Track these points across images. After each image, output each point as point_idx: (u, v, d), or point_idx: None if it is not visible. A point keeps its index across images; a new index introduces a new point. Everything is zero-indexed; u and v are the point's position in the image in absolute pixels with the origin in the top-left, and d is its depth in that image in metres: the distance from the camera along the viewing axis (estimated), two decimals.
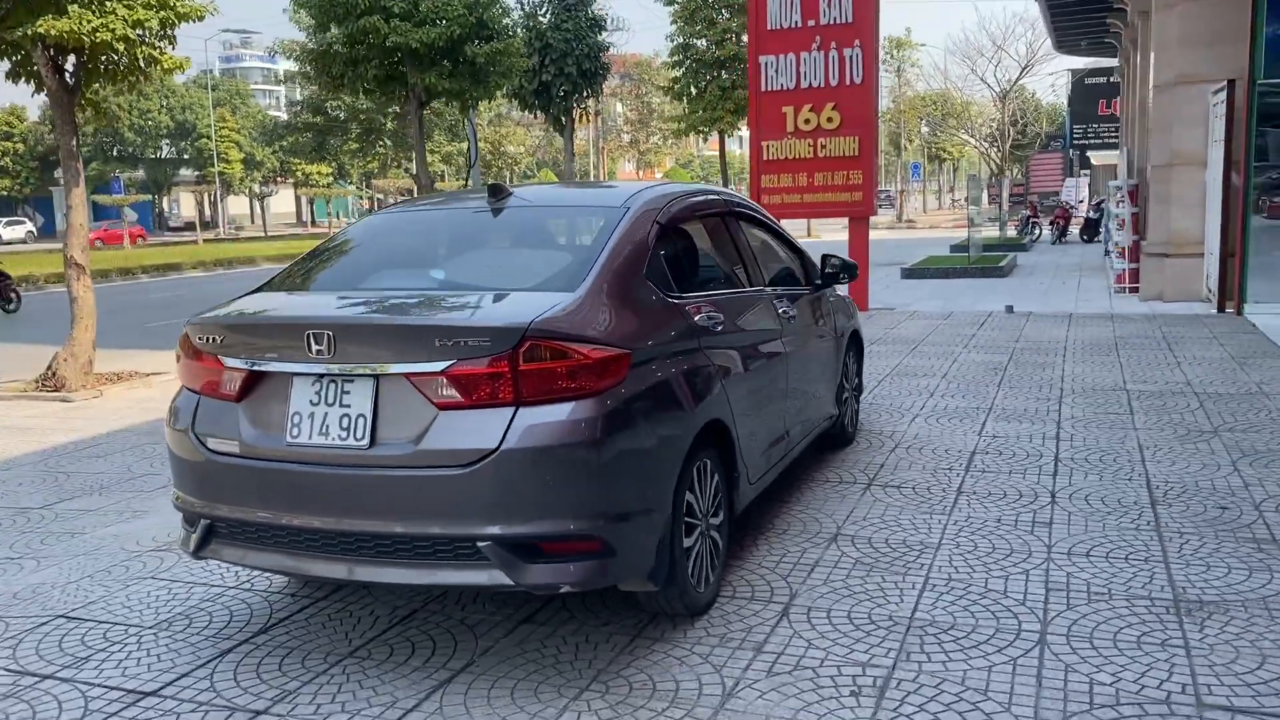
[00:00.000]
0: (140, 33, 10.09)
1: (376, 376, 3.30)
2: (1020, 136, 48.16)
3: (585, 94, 20.78)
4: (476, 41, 15.65)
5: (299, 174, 64.33)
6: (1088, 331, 10.85)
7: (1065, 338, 10.47)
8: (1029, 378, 8.34)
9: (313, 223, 73.87)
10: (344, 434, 3.31)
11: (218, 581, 4.43)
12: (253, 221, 76.19)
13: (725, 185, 29.59)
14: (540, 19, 19.98)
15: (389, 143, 49.22)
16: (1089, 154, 47.60)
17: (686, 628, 3.77)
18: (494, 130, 54.01)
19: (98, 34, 9.58)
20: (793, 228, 8.84)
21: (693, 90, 28.65)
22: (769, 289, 5.00)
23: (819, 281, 5.72)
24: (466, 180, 19.87)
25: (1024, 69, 43.26)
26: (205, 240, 52.84)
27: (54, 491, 6.18)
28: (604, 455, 3.26)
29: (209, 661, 3.64)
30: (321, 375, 3.36)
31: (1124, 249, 14.77)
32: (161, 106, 61.64)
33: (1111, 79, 40.34)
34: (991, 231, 28.13)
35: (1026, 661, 3.42)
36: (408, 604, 4.08)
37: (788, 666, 3.45)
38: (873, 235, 15.10)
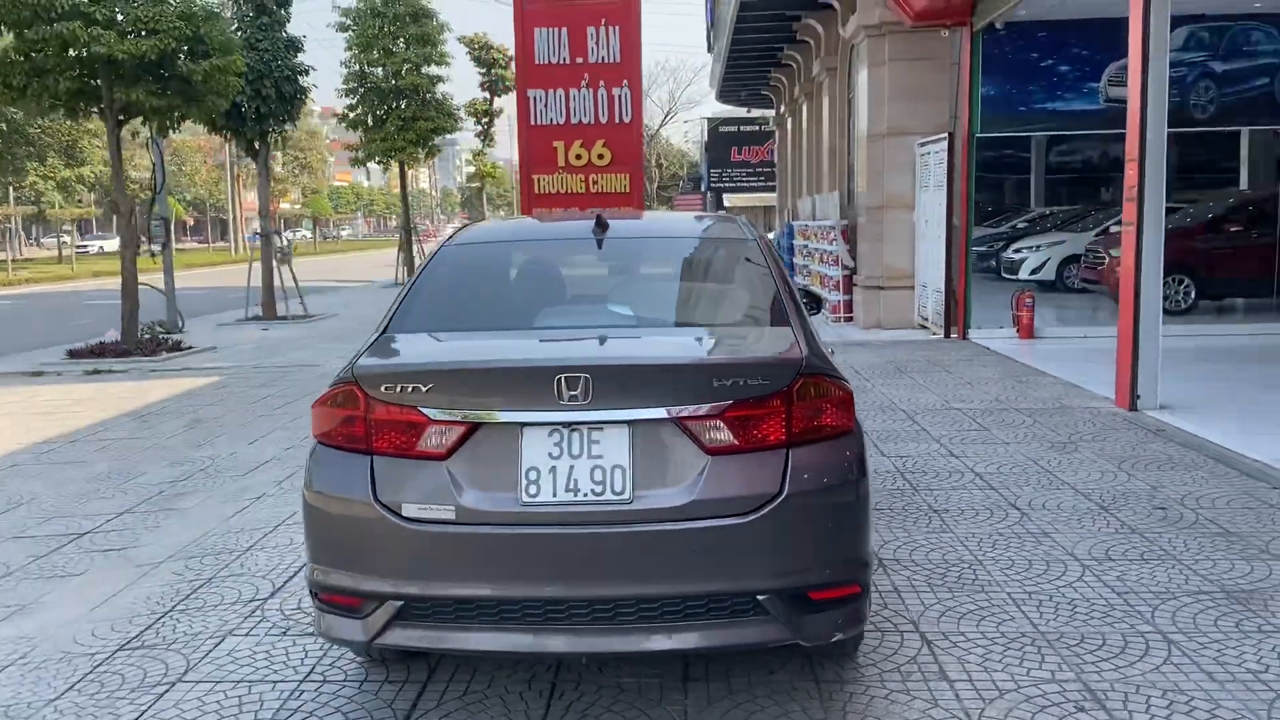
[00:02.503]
0: None
1: (631, 422, 2.96)
2: (661, 177, 51.41)
3: (283, 118, 19.41)
4: (192, 57, 14.20)
5: None
6: (857, 357, 11.78)
7: (844, 363, 11.26)
8: (858, 400, 8.89)
9: None
10: (598, 488, 2.93)
11: (274, 676, 3.71)
12: None
13: (407, 216, 28.74)
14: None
15: None
16: (724, 196, 51.83)
17: (856, 667, 3.70)
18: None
19: None
20: None
21: (370, 120, 27.76)
22: None
23: None
24: (153, 206, 17.90)
25: (667, 115, 46.45)
26: None
27: None
28: (861, 493, 3.15)
29: None
30: (563, 424, 2.95)
31: (838, 282, 16.19)
32: None
33: (743, 128, 44.43)
34: None
35: (1180, 660, 3.70)
36: (540, 677, 3.65)
37: (992, 692, 3.49)
38: None
